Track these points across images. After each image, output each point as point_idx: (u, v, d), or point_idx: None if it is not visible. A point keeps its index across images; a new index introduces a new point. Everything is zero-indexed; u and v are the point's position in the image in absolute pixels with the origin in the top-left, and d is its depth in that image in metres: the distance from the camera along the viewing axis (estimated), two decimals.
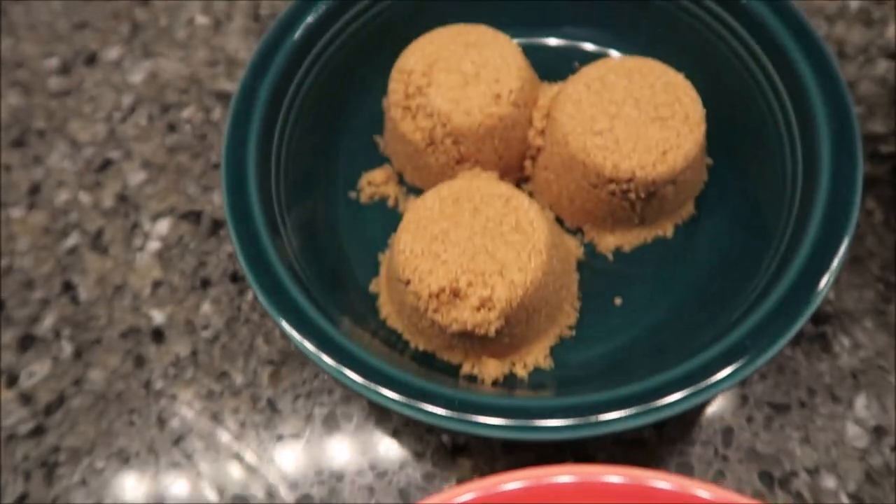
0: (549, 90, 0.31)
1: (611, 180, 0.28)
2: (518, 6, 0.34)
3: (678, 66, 0.30)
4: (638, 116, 0.28)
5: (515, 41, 0.33)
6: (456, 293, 0.26)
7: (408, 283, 0.26)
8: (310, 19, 0.31)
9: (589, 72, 0.29)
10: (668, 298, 0.30)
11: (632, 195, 0.28)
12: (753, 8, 0.30)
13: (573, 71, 0.32)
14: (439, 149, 0.29)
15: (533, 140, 0.30)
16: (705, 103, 0.29)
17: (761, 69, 0.30)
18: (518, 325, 0.27)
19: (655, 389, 0.24)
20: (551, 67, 0.34)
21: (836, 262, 0.25)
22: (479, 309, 0.25)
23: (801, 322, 0.25)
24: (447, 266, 0.26)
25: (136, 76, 0.39)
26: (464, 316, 0.25)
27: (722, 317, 0.27)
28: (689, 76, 0.29)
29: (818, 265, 0.25)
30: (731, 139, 0.32)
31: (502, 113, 0.29)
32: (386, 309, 0.30)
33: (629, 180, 0.27)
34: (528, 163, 0.31)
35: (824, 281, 0.25)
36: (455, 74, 0.29)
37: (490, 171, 0.30)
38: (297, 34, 0.31)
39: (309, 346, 0.25)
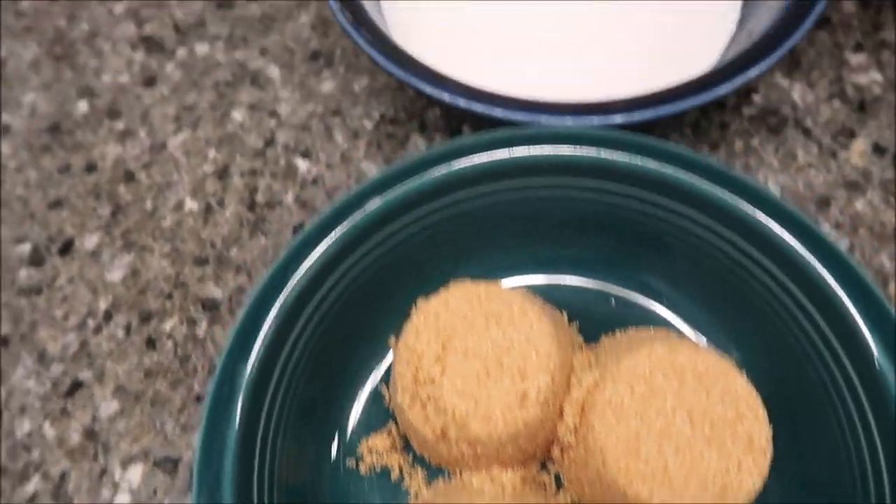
0: (584, 366, 0.26)
1: None
2: (546, 249, 0.30)
3: (729, 330, 0.25)
4: (691, 434, 0.23)
5: (543, 280, 0.30)
6: None
7: None
8: (305, 271, 0.27)
9: (633, 366, 0.24)
10: None
11: None
12: (821, 281, 0.25)
13: (610, 311, 0.28)
14: (453, 446, 0.25)
15: (563, 436, 0.25)
16: (761, 375, 0.25)
17: (823, 339, 0.26)
18: None
19: None
20: (583, 306, 0.30)
21: None
22: None
23: None
24: None
25: (116, 273, 0.34)
26: None
27: None
28: (742, 343, 0.25)
29: None
30: (789, 417, 0.27)
31: (528, 417, 0.24)
32: None
33: None
34: (556, 449, 0.27)
35: None
36: (473, 360, 0.25)
37: (510, 468, 0.26)
38: (289, 295, 0.26)
39: None
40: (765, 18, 0.31)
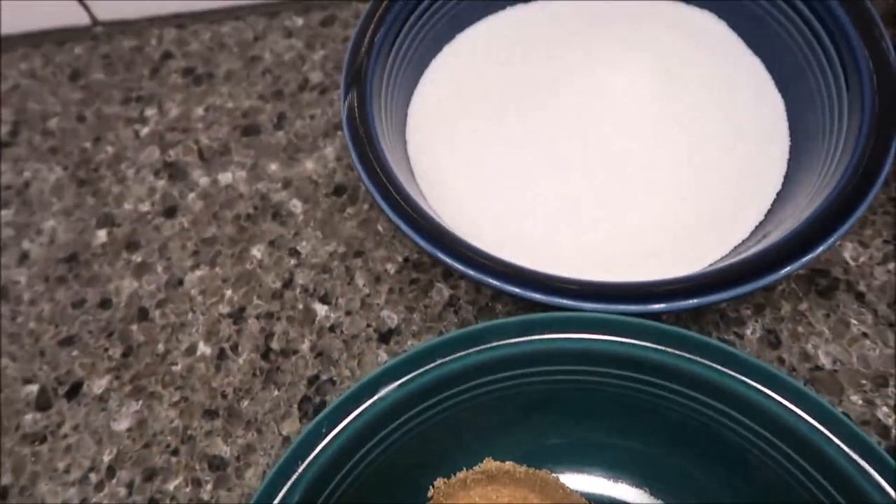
0: None
1: None
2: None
3: None
4: None
5: (568, 470, 0.27)
6: None
7: None
8: (313, 462, 0.25)
9: None
10: None
11: None
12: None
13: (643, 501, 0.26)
14: None
15: None
16: None
17: None
18: None
19: None
20: (613, 493, 0.27)
21: None
22: None
23: None
24: None
25: (122, 422, 0.33)
26: None
27: None
28: None
29: None
30: None
31: None
32: None
33: None
34: None
35: None
36: None
37: None
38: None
39: None
40: (806, 187, 0.29)
